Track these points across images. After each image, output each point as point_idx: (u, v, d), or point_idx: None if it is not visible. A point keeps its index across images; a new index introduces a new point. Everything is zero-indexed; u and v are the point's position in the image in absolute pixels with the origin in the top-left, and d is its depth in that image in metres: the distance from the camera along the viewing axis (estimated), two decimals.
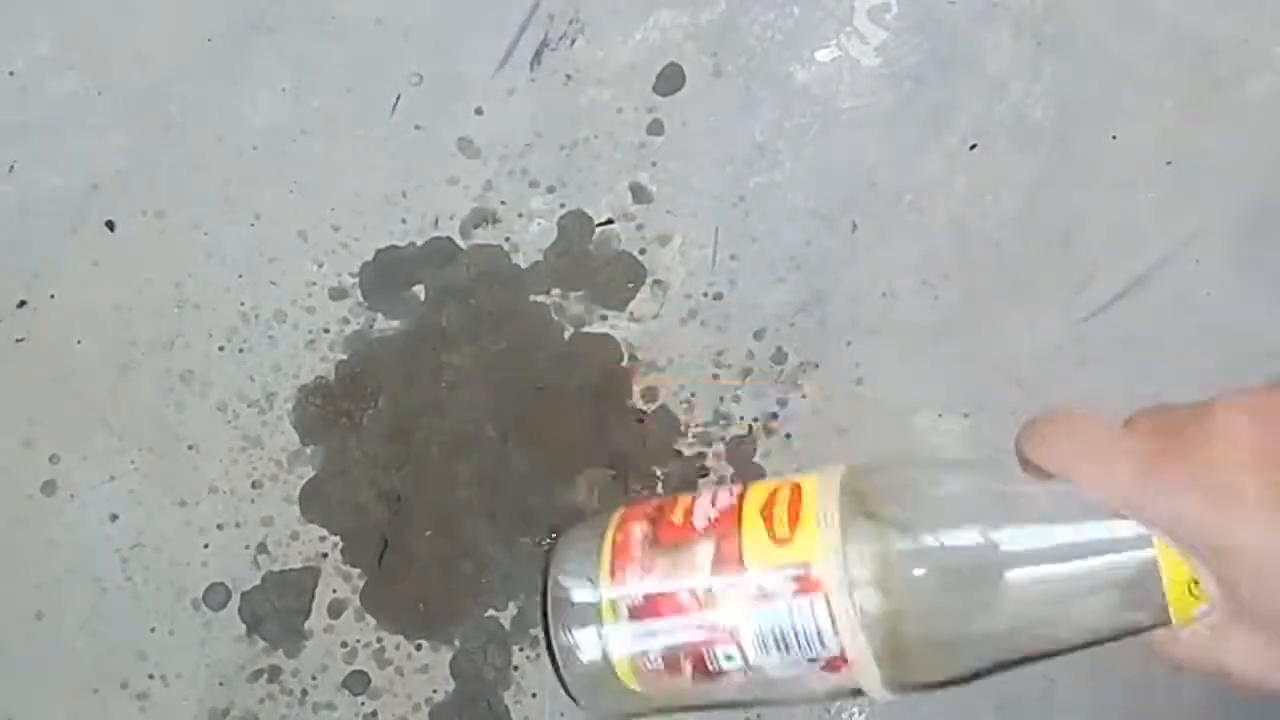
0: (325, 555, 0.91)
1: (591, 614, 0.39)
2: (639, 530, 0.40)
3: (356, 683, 0.90)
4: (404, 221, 0.96)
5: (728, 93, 0.99)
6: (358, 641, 0.90)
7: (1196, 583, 0.32)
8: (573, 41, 1.00)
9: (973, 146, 0.99)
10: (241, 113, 0.98)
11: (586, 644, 0.39)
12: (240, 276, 0.95)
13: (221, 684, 0.89)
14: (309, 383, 0.93)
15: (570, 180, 0.97)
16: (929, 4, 1.01)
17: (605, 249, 0.97)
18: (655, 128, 0.98)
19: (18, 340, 0.93)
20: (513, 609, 0.91)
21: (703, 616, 0.37)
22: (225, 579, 0.91)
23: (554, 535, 0.92)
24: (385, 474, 0.92)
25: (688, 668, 0.38)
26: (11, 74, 0.97)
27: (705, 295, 0.97)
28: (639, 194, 0.98)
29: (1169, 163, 0.99)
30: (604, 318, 0.96)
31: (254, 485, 0.92)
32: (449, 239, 0.96)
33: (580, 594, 0.40)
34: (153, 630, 0.90)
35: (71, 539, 0.90)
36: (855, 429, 0.94)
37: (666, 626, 0.38)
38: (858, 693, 0.37)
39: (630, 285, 0.96)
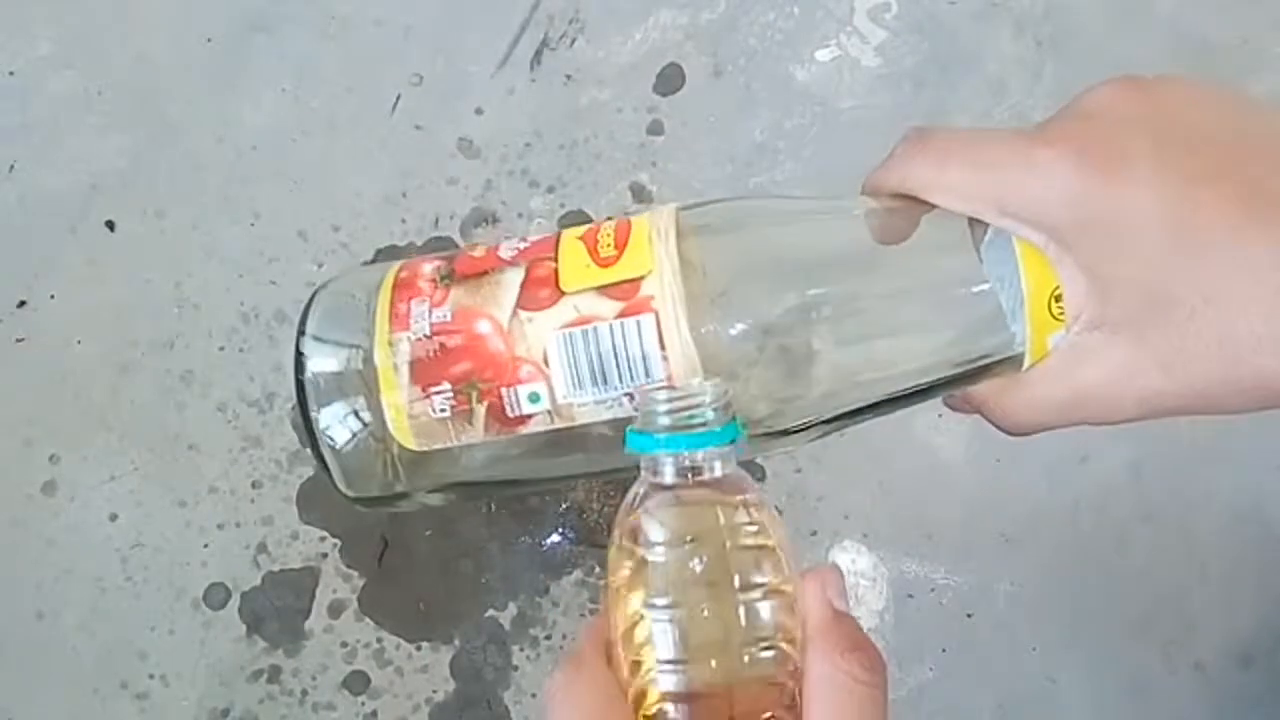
0: (325, 555, 0.91)
1: (362, 360, 0.32)
2: (429, 268, 0.33)
3: (356, 683, 0.90)
4: (404, 221, 0.96)
5: (728, 93, 0.99)
6: (358, 641, 0.90)
7: (1057, 297, 0.29)
8: (573, 41, 1.00)
9: None
10: (241, 113, 0.98)
11: (355, 398, 0.31)
12: (240, 276, 0.95)
13: (221, 684, 0.89)
14: None
15: (570, 180, 0.97)
16: (929, 4, 1.01)
17: None
18: (655, 128, 0.98)
19: (18, 340, 0.93)
20: (513, 609, 0.91)
21: (505, 347, 0.31)
22: (225, 579, 0.91)
23: (556, 534, 0.92)
24: None
25: (481, 414, 0.31)
26: (11, 74, 0.97)
27: None
28: (639, 194, 0.98)
29: None
30: None
31: (254, 485, 0.92)
32: (449, 239, 0.96)
33: (347, 339, 0.32)
34: (153, 630, 0.90)
35: (71, 539, 0.90)
36: (855, 429, 0.93)
37: (459, 360, 0.31)
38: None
39: None
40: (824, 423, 0.33)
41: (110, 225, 0.95)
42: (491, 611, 0.91)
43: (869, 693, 0.28)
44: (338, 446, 0.32)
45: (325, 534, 0.91)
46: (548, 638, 0.90)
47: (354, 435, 0.32)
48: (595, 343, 0.30)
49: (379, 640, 0.90)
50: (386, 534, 0.91)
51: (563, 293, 0.31)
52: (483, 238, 0.96)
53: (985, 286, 0.30)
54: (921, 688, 0.89)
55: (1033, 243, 0.29)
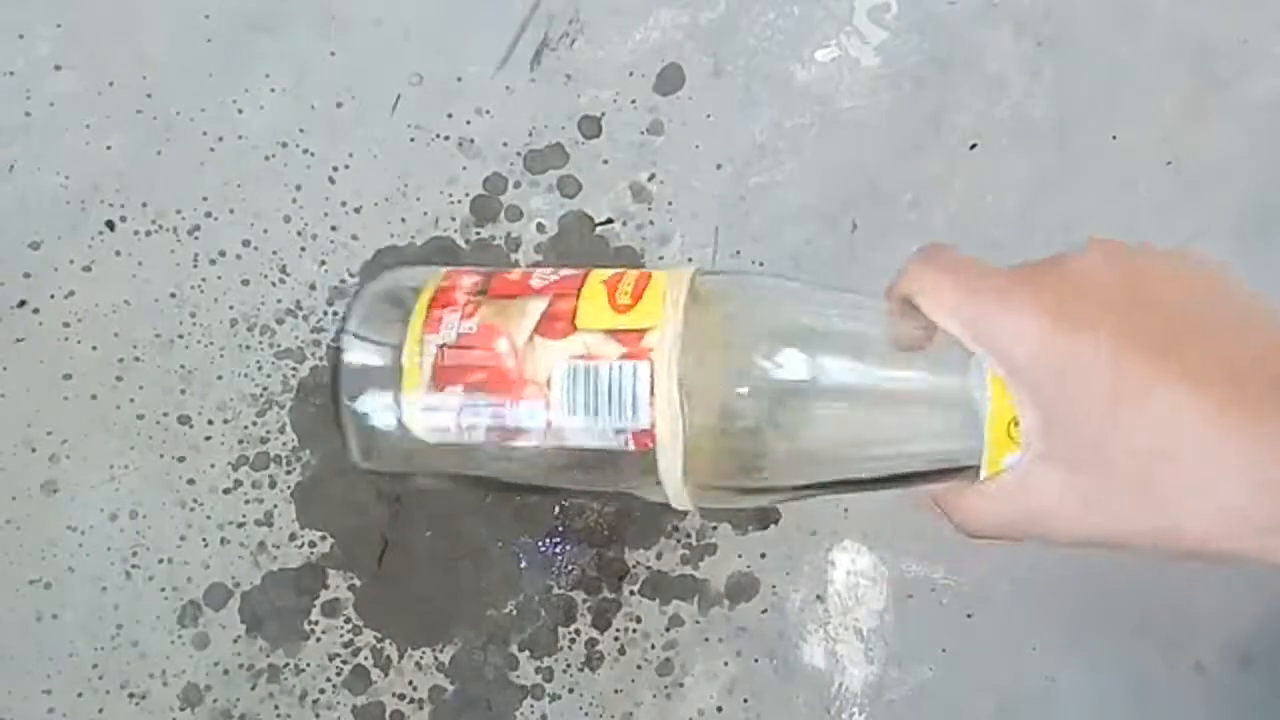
0: (325, 555, 0.91)
1: (394, 356, 0.35)
2: (467, 281, 0.37)
3: (356, 683, 0.90)
4: (404, 221, 0.96)
5: (728, 93, 0.99)
6: (358, 641, 0.90)
7: (1015, 424, 0.32)
8: (573, 41, 1.00)
9: (973, 146, 0.99)
10: (242, 113, 0.98)
11: (383, 391, 0.35)
12: (240, 276, 0.95)
13: (222, 684, 0.89)
14: (309, 382, 0.93)
15: (570, 180, 0.97)
16: (929, 4, 1.01)
17: (605, 249, 0.97)
18: (655, 128, 0.98)
19: (18, 340, 0.93)
20: (513, 609, 0.91)
21: (516, 366, 0.34)
22: (225, 579, 0.91)
23: (556, 534, 0.92)
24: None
25: (484, 422, 0.35)
26: (11, 74, 0.97)
27: None
28: (639, 194, 0.98)
29: (1169, 163, 0.99)
30: None
31: (254, 485, 0.92)
32: (449, 239, 0.96)
33: (383, 337, 0.36)
34: (153, 630, 0.90)
35: (71, 539, 0.90)
36: None
37: (474, 371, 0.35)
38: (651, 488, 0.34)
39: None
40: (789, 489, 0.36)
41: (110, 225, 0.95)
42: (491, 611, 0.91)
43: None
44: (362, 428, 0.35)
45: (325, 534, 0.91)
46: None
47: (377, 420, 0.35)
48: (594, 377, 0.34)
49: (379, 640, 0.90)
50: (386, 534, 0.91)
51: (576, 328, 0.34)
52: (484, 235, 0.96)
53: (968, 396, 0.33)
54: (921, 688, 0.89)
55: (998, 373, 0.32)
